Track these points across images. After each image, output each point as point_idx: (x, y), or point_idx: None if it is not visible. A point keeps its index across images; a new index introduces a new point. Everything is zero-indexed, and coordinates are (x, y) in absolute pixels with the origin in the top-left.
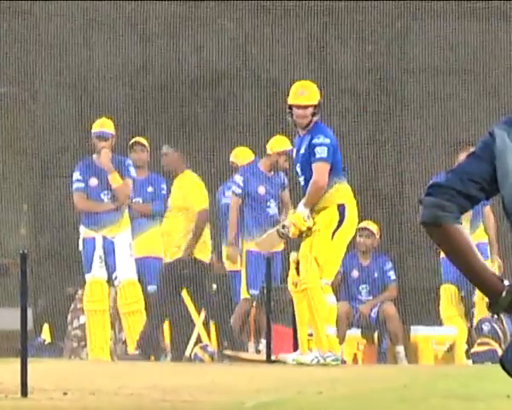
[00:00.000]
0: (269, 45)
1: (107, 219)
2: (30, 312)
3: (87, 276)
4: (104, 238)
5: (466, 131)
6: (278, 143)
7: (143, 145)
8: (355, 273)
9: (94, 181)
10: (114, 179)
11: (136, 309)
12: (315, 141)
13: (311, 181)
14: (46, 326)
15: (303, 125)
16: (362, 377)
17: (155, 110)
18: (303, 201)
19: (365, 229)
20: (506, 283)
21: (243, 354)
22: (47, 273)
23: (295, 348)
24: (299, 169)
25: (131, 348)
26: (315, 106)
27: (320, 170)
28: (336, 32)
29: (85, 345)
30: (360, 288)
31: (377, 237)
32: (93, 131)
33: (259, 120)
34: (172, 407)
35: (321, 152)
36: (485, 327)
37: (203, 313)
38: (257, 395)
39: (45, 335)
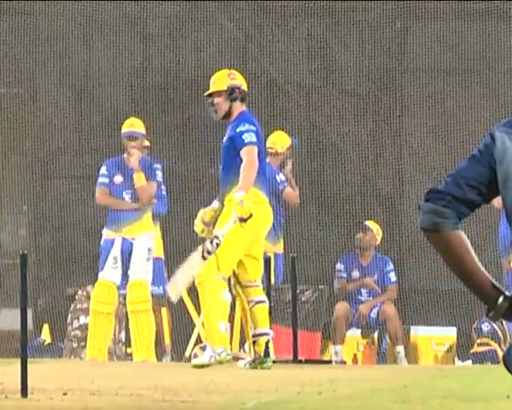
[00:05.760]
0: (269, 45)
1: (125, 219)
2: (30, 312)
3: (99, 275)
4: (124, 240)
5: (466, 131)
6: (285, 140)
7: (148, 148)
8: (355, 273)
9: (118, 178)
10: (139, 179)
11: (143, 309)
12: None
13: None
14: (46, 327)
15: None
16: (362, 377)
17: (155, 110)
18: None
19: (364, 225)
20: (503, 290)
21: (243, 354)
22: (47, 274)
23: (295, 348)
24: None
25: (134, 348)
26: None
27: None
28: (336, 32)
29: (85, 345)
30: (361, 288)
31: (377, 236)
32: (123, 131)
33: (259, 120)
34: (172, 407)
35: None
36: (485, 327)
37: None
38: (257, 395)
39: (45, 335)
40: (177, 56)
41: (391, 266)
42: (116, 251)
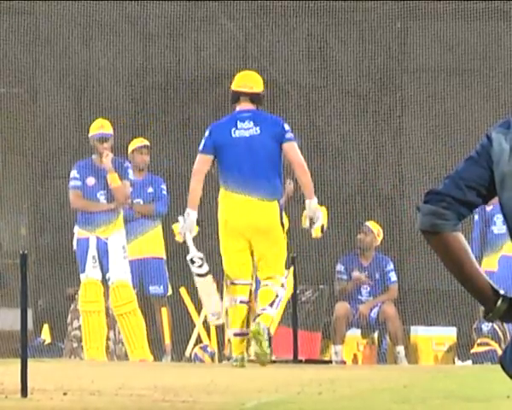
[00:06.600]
0: (269, 45)
1: (101, 220)
2: (30, 312)
3: (81, 276)
4: (98, 239)
5: (466, 131)
6: None
7: (148, 147)
8: (356, 274)
9: (91, 180)
10: (114, 179)
11: (129, 310)
12: None
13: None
14: (46, 327)
15: None
16: (362, 377)
17: (155, 110)
18: None
19: (365, 226)
20: (501, 292)
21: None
22: (47, 274)
23: (295, 348)
24: None
25: (129, 349)
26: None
27: None
28: (336, 32)
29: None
30: (361, 288)
31: (377, 237)
32: (93, 133)
33: None
34: (172, 407)
35: None
36: (485, 327)
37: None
38: (257, 396)
39: (45, 335)
40: (177, 56)
41: (391, 266)
42: (93, 250)
